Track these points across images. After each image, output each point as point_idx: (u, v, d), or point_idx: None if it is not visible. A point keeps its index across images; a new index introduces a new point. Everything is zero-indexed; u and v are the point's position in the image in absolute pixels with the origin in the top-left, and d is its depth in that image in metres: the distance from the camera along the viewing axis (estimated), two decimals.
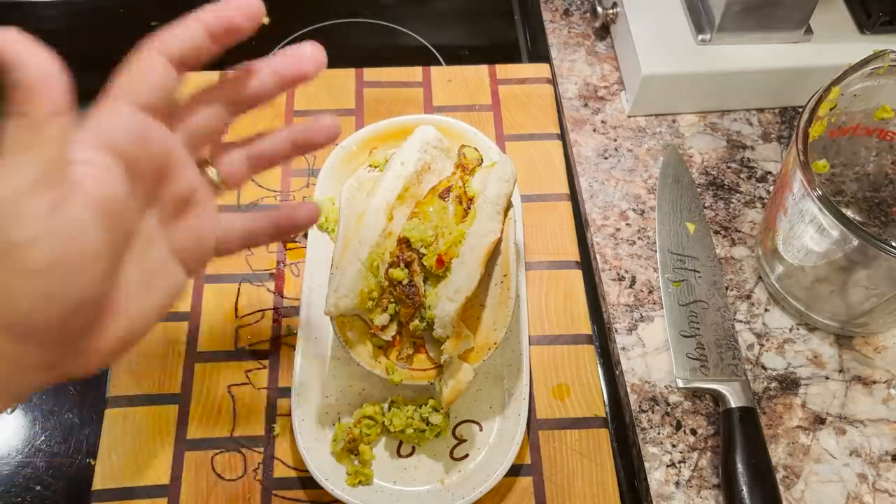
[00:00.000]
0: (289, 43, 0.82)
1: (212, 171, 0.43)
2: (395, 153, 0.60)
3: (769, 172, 0.70)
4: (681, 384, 0.57)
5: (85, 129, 0.35)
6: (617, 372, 0.61)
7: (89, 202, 0.33)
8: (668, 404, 0.58)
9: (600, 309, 0.64)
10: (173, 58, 0.38)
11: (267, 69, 0.42)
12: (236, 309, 0.62)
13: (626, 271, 0.64)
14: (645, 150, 0.71)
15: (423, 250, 0.54)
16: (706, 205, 0.68)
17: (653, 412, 0.57)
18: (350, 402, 0.57)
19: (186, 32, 0.38)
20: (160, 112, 0.38)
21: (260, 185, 0.68)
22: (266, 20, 0.41)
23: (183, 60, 0.38)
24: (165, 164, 0.38)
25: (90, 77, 0.88)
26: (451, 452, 0.55)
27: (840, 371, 0.59)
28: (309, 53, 0.43)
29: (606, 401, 0.60)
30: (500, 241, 0.55)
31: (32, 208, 0.31)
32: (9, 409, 0.33)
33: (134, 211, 0.37)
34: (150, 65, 0.38)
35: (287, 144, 0.44)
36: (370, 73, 0.76)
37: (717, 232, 0.66)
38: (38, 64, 0.34)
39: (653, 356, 0.60)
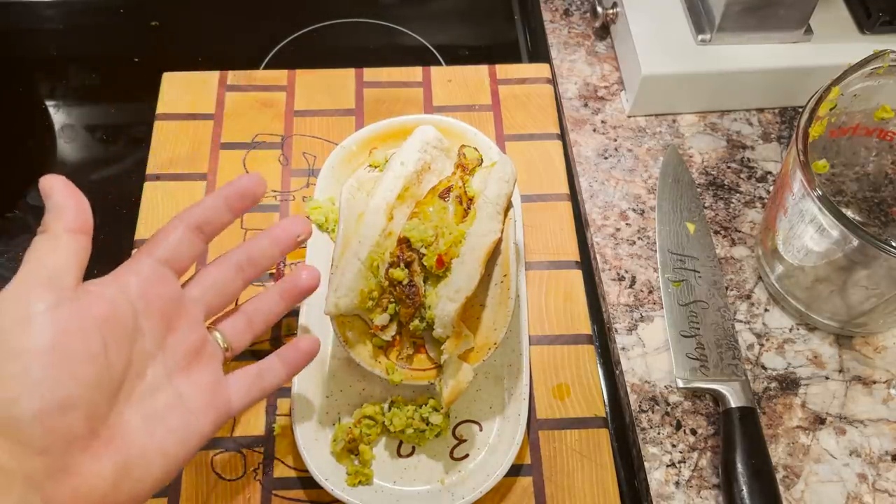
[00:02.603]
0: (289, 43, 0.83)
1: (218, 336, 0.47)
2: (395, 153, 0.60)
3: (769, 172, 0.70)
4: (681, 384, 0.57)
5: (107, 275, 0.41)
6: (617, 372, 0.61)
7: (91, 315, 0.38)
8: (668, 404, 0.58)
9: (600, 309, 0.64)
10: (192, 226, 0.44)
11: (265, 238, 0.49)
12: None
13: (626, 271, 0.64)
14: (645, 150, 0.71)
15: (423, 250, 0.54)
16: (706, 205, 0.68)
17: (653, 412, 0.57)
18: (350, 402, 0.57)
19: (207, 204, 0.45)
20: (177, 269, 0.44)
21: None
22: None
23: (202, 227, 0.45)
24: (174, 311, 0.43)
25: (90, 77, 0.89)
26: (451, 452, 0.55)
27: (840, 371, 0.59)
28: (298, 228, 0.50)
29: (606, 401, 0.60)
30: (500, 241, 0.55)
31: (37, 301, 0.36)
32: None
33: (136, 348, 0.40)
34: (171, 229, 0.44)
35: (277, 300, 0.50)
36: (370, 73, 0.76)
37: (717, 232, 0.66)
38: (64, 194, 0.40)
39: (653, 356, 0.60)
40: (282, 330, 0.61)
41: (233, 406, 0.45)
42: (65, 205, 0.40)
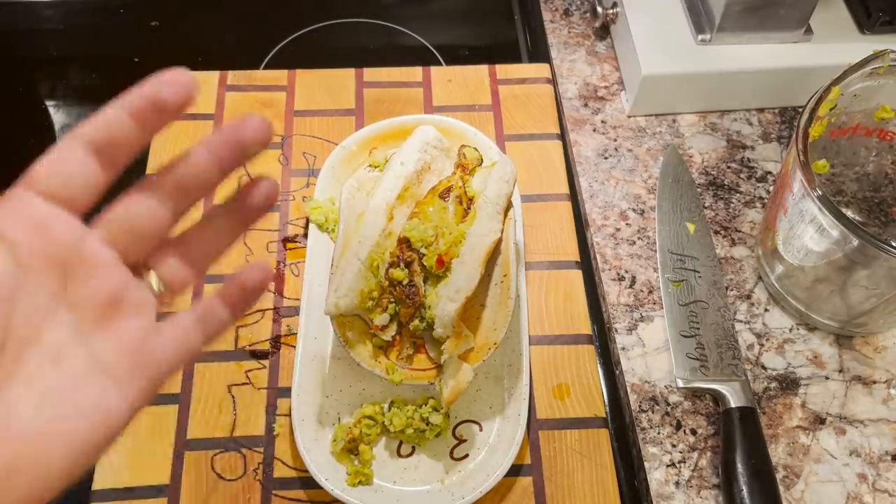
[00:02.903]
0: (289, 43, 0.83)
1: (152, 278, 0.36)
2: (395, 153, 0.60)
3: (769, 172, 0.70)
4: (681, 384, 0.57)
5: None
6: (617, 372, 0.61)
7: None
8: (668, 404, 0.58)
9: (600, 309, 0.64)
10: (91, 145, 0.34)
11: (203, 149, 0.36)
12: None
13: (626, 271, 0.64)
14: (645, 150, 0.71)
15: (423, 250, 0.54)
16: (706, 205, 0.68)
17: (653, 412, 0.57)
18: (350, 402, 0.57)
19: (107, 118, 0.34)
20: (76, 205, 0.34)
21: None
22: (197, 96, 0.36)
23: (103, 149, 0.34)
24: (73, 257, 0.33)
25: (90, 77, 0.89)
26: (451, 452, 0.55)
27: (840, 371, 0.59)
28: (254, 122, 0.36)
29: (606, 401, 0.60)
30: (500, 241, 0.55)
31: None
32: None
33: (19, 309, 0.31)
34: (67, 154, 0.33)
35: (228, 234, 0.38)
36: (370, 73, 0.76)
37: (717, 232, 0.66)
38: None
39: (653, 356, 0.60)
40: (282, 329, 0.61)
41: (164, 365, 0.35)
42: None
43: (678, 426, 0.57)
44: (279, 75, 0.75)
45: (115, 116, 0.34)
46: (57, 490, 0.31)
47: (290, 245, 0.65)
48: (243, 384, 0.58)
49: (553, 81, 0.77)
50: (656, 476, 0.55)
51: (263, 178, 0.38)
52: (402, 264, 0.53)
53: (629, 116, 0.73)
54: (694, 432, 0.57)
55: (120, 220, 0.35)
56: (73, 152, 0.33)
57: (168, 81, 0.35)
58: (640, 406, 0.58)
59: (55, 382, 0.32)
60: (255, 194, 0.38)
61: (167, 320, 0.36)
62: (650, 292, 0.63)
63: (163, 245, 0.37)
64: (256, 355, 0.60)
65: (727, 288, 0.63)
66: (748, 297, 0.63)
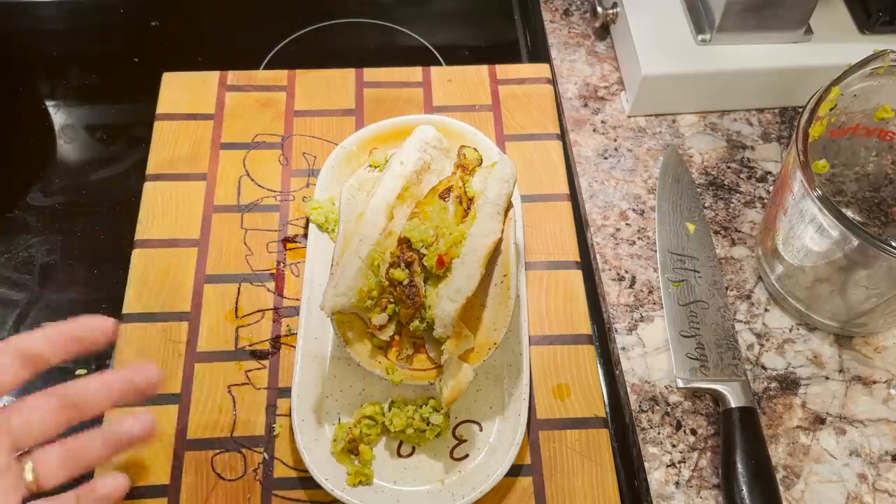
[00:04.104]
0: (289, 43, 0.83)
1: (27, 468, 0.42)
2: (394, 153, 0.60)
3: (769, 172, 0.70)
4: (681, 384, 0.57)
5: None
6: (617, 372, 0.61)
7: None
8: (668, 404, 0.58)
9: (600, 309, 0.64)
10: (23, 354, 0.42)
11: (100, 383, 0.45)
12: (236, 309, 0.62)
13: (626, 271, 0.64)
14: (645, 150, 0.71)
15: (423, 251, 0.54)
16: (706, 205, 0.68)
17: (653, 412, 0.57)
18: (350, 402, 0.57)
19: (43, 337, 0.43)
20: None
21: (260, 185, 0.68)
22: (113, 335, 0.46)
23: (33, 359, 0.43)
24: None
25: (90, 77, 0.89)
26: (451, 452, 0.55)
27: (840, 371, 0.59)
28: (149, 371, 0.46)
29: (606, 401, 0.60)
30: (500, 241, 0.55)
31: None
32: None
33: None
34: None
35: (104, 448, 0.45)
36: (370, 73, 0.76)
37: (717, 232, 0.66)
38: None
39: (653, 356, 0.60)
40: (282, 329, 0.61)
41: None
42: None
43: (678, 426, 0.57)
44: (279, 75, 0.75)
45: (43, 334, 0.43)
46: None
47: (290, 245, 0.65)
48: (243, 384, 0.58)
49: (553, 81, 0.77)
50: (656, 476, 0.55)
51: (140, 417, 0.47)
52: (402, 264, 0.53)
53: (629, 116, 0.73)
54: (694, 432, 0.57)
55: (25, 414, 0.42)
56: (3, 356, 0.42)
57: (90, 329, 0.45)
58: (640, 406, 0.58)
59: None
60: (130, 428, 0.46)
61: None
62: (650, 292, 0.63)
63: (47, 444, 0.43)
64: (256, 355, 0.60)
65: (727, 288, 0.63)
66: (748, 297, 0.63)
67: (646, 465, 0.55)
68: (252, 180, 0.68)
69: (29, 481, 0.42)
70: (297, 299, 0.62)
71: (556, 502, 0.54)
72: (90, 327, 0.44)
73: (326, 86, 0.74)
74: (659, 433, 0.57)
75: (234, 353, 0.60)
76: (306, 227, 0.64)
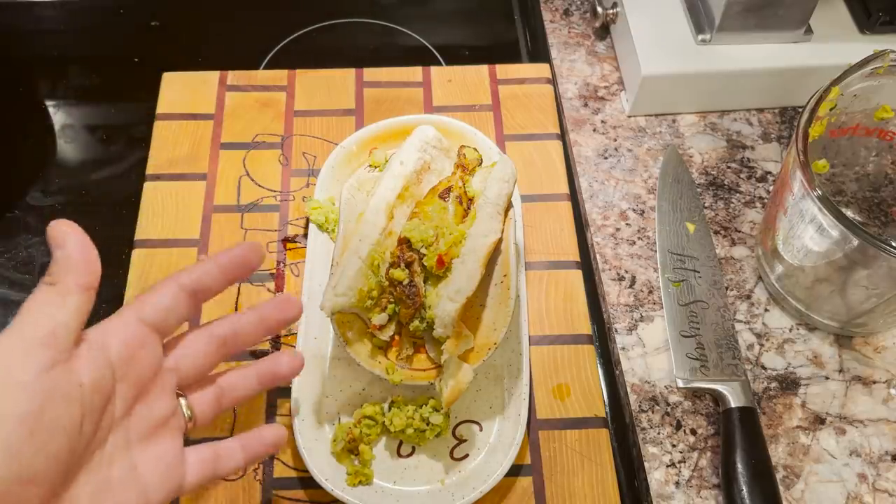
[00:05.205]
0: (289, 43, 0.83)
1: (183, 405, 0.44)
2: (394, 153, 0.60)
3: (769, 172, 0.70)
4: (681, 384, 0.57)
5: (90, 330, 0.39)
6: (617, 372, 0.61)
7: (78, 383, 0.36)
8: (668, 404, 0.58)
9: (600, 309, 0.64)
10: (186, 289, 0.43)
11: (253, 315, 0.47)
12: (236, 309, 0.62)
13: (626, 271, 0.64)
14: (645, 150, 0.71)
15: (423, 250, 0.54)
16: (706, 205, 0.68)
17: (653, 412, 0.57)
18: (350, 402, 0.57)
19: (202, 269, 0.44)
20: (163, 333, 0.42)
21: (260, 185, 0.68)
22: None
23: (196, 292, 0.43)
24: (150, 380, 0.41)
25: (90, 77, 0.89)
26: (451, 452, 0.55)
27: (840, 371, 0.59)
28: (290, 305, 0.48)
29: (606, 401, 0.60)
30: (500, 241, 0.55)
31: (32, 360, 0.34)
32: None
33: (106, 415, 0.38)
34: (164, 290, 0.42)
35: (254, 382, 0.48)
36: (370, 73, 0.76)
37: (717, 232, 0.66)
38: (79, 246, 0.38)
39: (653, 356, 0.60)
40: (282, 330, 0.61)
41: (186, 485, 0.42)
42: (78, 259, 0.37)
43: (678, 426, 0.57)
44: (279, 75, 0.75)
45: (207, 269, 0.44)
46: None
47: (290, 245, 0.65)
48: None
49: (553, 81, 0.77)
50: (656, 476, 0.55)
51: (290, 355, 0.49)
52: (402, 264, 0.53)
53: (629, 116, 0.73)
54: (694, 432, 0.57)
55: (188, 354, 0.44)
56: (168, 289, 0.42)
57: (250, 252, 0.45)
58: (640, 406, 0.58)
59: (106, 484, 0.38)
60: (284, 364, 0.48)
61: (196, 447, 0.44)
62: (650, 292, 0.63)
63: (201, 380, 0.46)
64: (256, 355, 0.60)
65: (727, 288, 0.63)
66: (748, 297, 0.63)
67: (646, 465, 0.55)
68: (252, 180, 0.68)
69: (186, 418, 0.44)
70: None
71: (556, 502, 0.54)
72: (244, 253, 0.45)
73: (326, 86, 0.74)
74: (659, 433, 0.57)
75: (234, 354, 0.60)
76: (306, 227, 0.64)
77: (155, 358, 0.41)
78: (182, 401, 0.44)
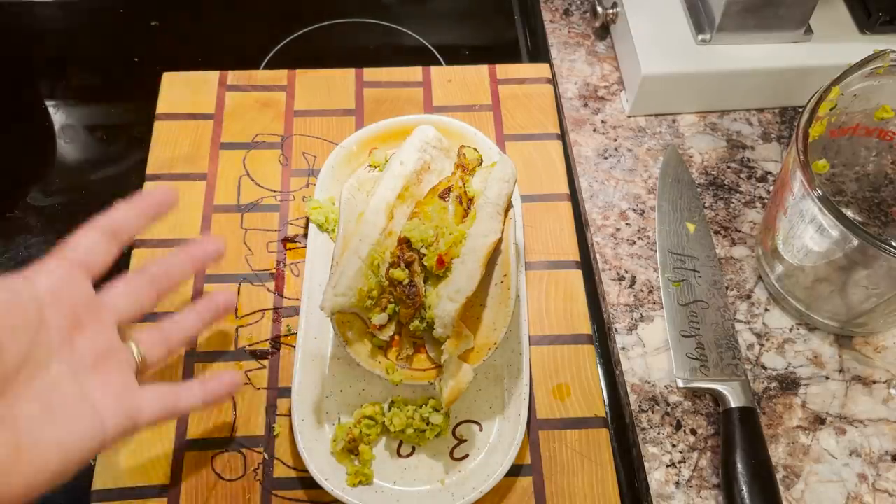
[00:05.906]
0: (289, 43, 0.83)
1: (133, 348, 0.47)
2: (394, 153, 0.60)
3: (769, 172, 0.70)
4: (681, 384, 0.57)
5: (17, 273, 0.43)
6: (617, 372, 0.61)
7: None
8: (668, 404, 0.58)
9: (600, 309, 0.64)
10: (104, 229, 0.47)
11: (182, 254, 0.52)
12: (236, 309, 0.62)
13: (626, 271, 0.64)
14: (645, 150, 0.71)
15: (423, 251, 0.54)
16: (706, 205, 0.68)
17: (653, 412, 0.57)
18: (350, 402, 0.57)
19: (118, 211, 0.48)
20: (88, 269, 0.45)
21: (260, 185, 0.68)
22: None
23: (115, 233, 0.47)
24: (85, 312, 0.44)
25: (90, 77, 0.89)
26: (451, 452, 0.55)
27: (840, 371, 0.59)
28: (215, 245, 0.53)
29: (606, 401, 0.60)
30: (500, 241, 0.55)
31: None
32: None
33: (39, 339, 0.41)
34: (84, 233, 0.46)
35: (195, 318, 0.52)
36: (370, 73, 0.76)
37: (717, 232, 0.66)
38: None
39: (653, 356, 0.60)
40: (282, 329, 0.61)
41: (143, 414, 0.45)
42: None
43: (678, 426, 0.57)
44: (279, 75, 0.75)
45: (124, 210, 0.48)
46: (49, 484, 0.39)
47: (290, 245, 0.65)
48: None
49: (553, 81, 0.77)
50: (656, 476, 0.55)
51: (225, 294, 0.54)
52: (402, 264, 0.53)
53: (629, 116, 0.73)
54: (694, 432, 0.57)
55: (122, 292, 0.47)
56: (90, 231, 0.46)
57: (162, 195, 0.50)
58: (640, 406, 0.58)
59: (55, 402, 0.40)
60: (220, 295, 0.54)
61: (155, 384, 0.47)
62: (650, 292, 0.63)
63: (147, 328, 0.49)
64: (256, 355, 0.60)
65: (727, 288, 0.63)
66: (748, 297, 0.63)
67: (646, 465, 0.55)
68: (252, 180, 0.68)
69: (137, 359, 0.47)
70: (297, 299, 0.62)
71: (556, 502, 0.54)
72: (158, 197, 0.50)
73: (326, 86, 0.74)
74: (659, 433, 0.57)
75: (234, 353, 0.60)
76: (306, 227, 0.64)
77: (85, 293, 0.44)
78: (131, 343, 0.47)
